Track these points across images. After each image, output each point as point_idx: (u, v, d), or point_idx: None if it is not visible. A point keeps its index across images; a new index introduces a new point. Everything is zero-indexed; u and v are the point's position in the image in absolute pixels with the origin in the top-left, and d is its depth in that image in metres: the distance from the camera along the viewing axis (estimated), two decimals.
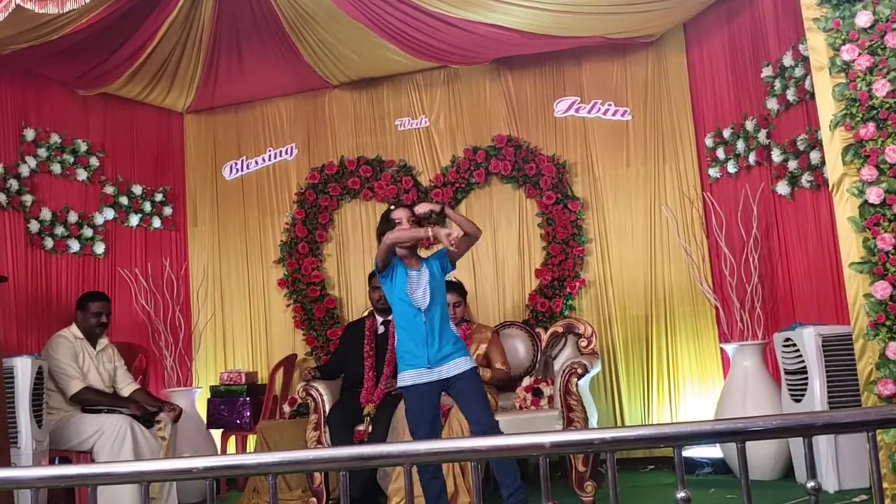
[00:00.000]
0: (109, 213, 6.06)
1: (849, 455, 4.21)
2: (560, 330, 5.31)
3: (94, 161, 5.99)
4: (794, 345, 4.47)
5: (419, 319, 3.69)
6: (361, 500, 4.52)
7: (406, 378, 3.71)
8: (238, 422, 5.76)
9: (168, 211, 6.54)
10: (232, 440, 5.82)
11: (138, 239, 6.32)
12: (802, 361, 4.41)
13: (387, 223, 3.83)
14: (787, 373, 4.58)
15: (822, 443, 4.17)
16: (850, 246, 3.21)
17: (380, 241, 3.80)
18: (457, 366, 3.68)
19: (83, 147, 5.92)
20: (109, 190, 6.09)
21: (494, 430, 3.65)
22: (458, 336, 3.85)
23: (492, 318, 5.83)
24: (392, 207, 3.93)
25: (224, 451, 5.73)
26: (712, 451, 5.13)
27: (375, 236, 3.92)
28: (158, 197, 6.48)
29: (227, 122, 6.76)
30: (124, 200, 6.18)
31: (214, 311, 6.54)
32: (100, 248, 5.92)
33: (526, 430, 4.30)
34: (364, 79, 6.41)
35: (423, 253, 4.03)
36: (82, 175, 5.89)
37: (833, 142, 3.27)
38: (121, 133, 6.31)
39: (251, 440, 5.77)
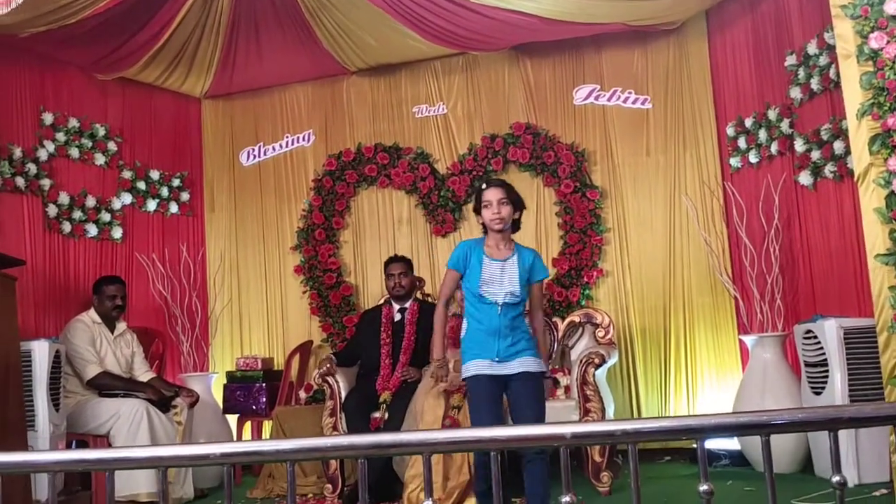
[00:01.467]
0: (127, 198, 6.07)
1: (869, 449, 4.16)
2: (577, 320, 5.28)
3: (111, 146, 6.00)
4: (815, 337, 4.42)
5: (493, 311, 3.46)
6: (377, 487, 4.52)
7: (473, 367, 3.45)
8: (254, 407, 5.77)
9: (185, 196, 6.54)
10: (248, 426, 5.83)
11: (155, 224, 6.34)
12: (823, 354, 4.36)
13: (478, 202, 3.57)
14: (807, 365, 4.53)
15: (843, 436, 4.12)
16: (876, 237, 3.15)
17: (478, 212, 3.58)
18: (530, 364, 3.44)
19: (101, 131, 5.93)
20: (127, 175, 6.10)
21: (536, 453, 3.33)
22: (532, 336, 3.55)
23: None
24: (484, 186, 3.58)
25: (240, 437, 5.75)
26: (730, 443, 5.09)
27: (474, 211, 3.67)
28: (176, 182, 6.49)
29: (244, 108, 6.74)
30: (142, 185, 6.19)
31: (231, 297, 6.55)
32: (117, 233, 5.94)
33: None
34: (382, 65, 6.37)
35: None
36: (100, 159, 5.90)
37: (859, 131, 3.21)
38: (139, 118, 6.32)
39: (267, 426, 5.78)
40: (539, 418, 3.38)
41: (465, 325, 3.59)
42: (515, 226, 3.63)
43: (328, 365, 4.96)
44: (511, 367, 3.43)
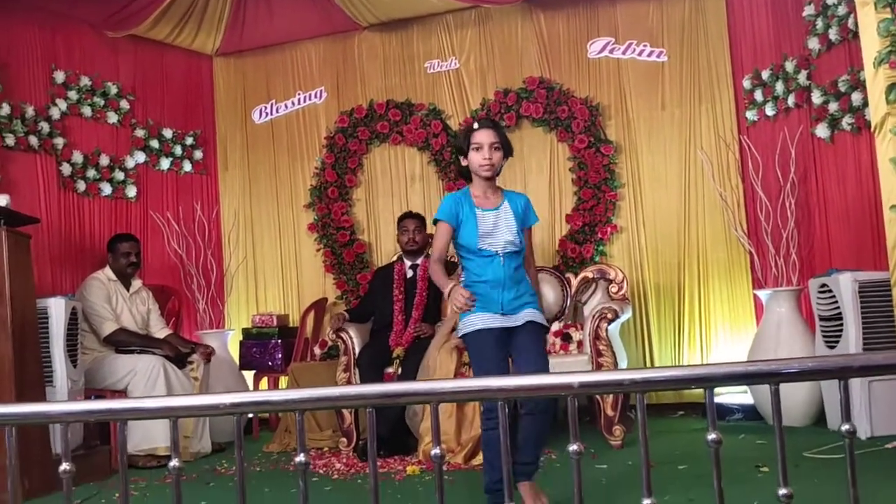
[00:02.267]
0: (140, 157, 6.08)
1: (883, 401, 4.16)
2: (591, 275, 5.27)
3: (124, 104, 6.00)
4: (830, 291, 4.40)
5: (496, 262, 3.22)
6: (390, 440, 4.57)
7: (478, 320, 3.20)
8: (270, 364, 5.83)
9: (198, 155, 6.54)
10: (264, 381, 5.90)
11: (169, 182, 6.35)
12: (838, 308, 4.34)
13: (466, 142, 3.27)
14: (821, 319, 4.52)
15: (856, 388, 4.12)
16: (892, 188, 3.11)
17: (457, 157, 3.32)
18: (535, 315, 3.25)
19: (113, 90, 5.93)
20: (140, 133, 6.10)
21: (537, 407, 3.17)
22: (532, 286, 3.34)
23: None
24: (475, 126, 3.25)
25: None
26: (743, 398, 5.10)
27: (454, 151, 3.36)
28: (189, 141, 6.49)
29: (255, 65, 6.71)
30: (155, 144, 6.20)
31: (246, 255, 6.58)
32: (131, 192, 5.96)
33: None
34: (393, 20, 6.30)
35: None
36: (113, 118, 5.90)
37: (877, 80, 3.15)
38: (150, 76, 6.30)
39: (283, 381, 5.84)
40: (544, 371, 3.20)
41: (463, 279, 3.34)
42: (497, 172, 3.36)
43: (340, 319, 5.00)
44: (517, 319, 3.24)
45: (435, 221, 3.30)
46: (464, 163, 3.31)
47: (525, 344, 3.22)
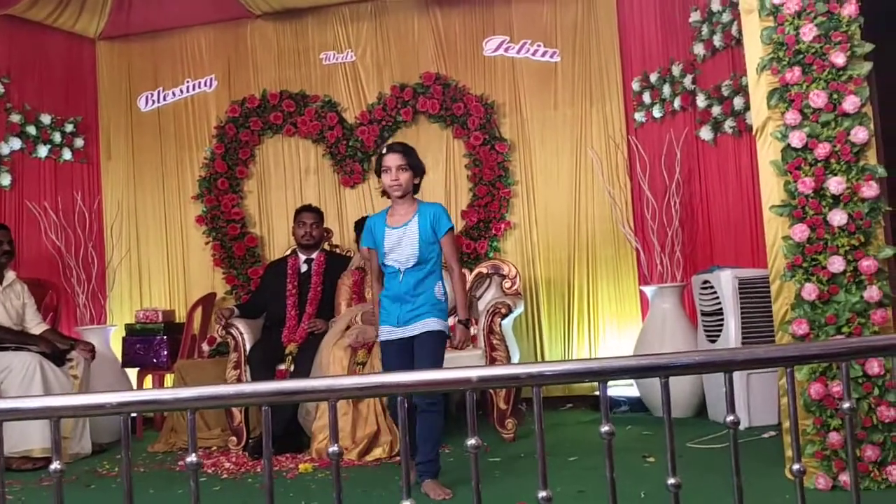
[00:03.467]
0: (16, 143, 5.76)
1: (759, 393, 4.37)
2: (485, 271, 5.32)
3: None
4: (712, 287, 4.58)
5: (396, 278, 3.55)
6: (283, 439, 4.48)
7: (382, 332, 3.61)
8: (155, 361, 5.62)
9: (80, 143, 6.24)
10: (148, 379, 5.68)
11: (47, 171, 6.04)
12: (719, 303, 4.52)
13: (378, 166, 3.58)
14: (703, 314, 4.70)
15: (736, 381, 4.28)
16: (772, 189, 3.25)
17: (379, 175, 3.59)
18: (426, 325, 3.51)
19: None
20: (15, 118, 5.78)
21: (429, 405, 3.45)
22: (439, 297, 3.56)
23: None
24: (384, 151, 3.58)
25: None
26: (629, 390, 5.26)
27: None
28: (69, 128, 6.18)
29: (142, 51, 6.45)
30: (32, 130, 5.88)
31: (129, 248, 6.32)
32: (5, 180, 5.65)
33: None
34: (287, 9, 6.18)
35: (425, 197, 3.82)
36: None
37: (759, 85, 3.29)
38: (28, 58, 5.97)
39: (168, 379, 5.64)
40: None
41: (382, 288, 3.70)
42: (415, 189, 3.65)
43: (228, 312, 4.86)
44: (411, 329, 3.53)
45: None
46: (378, 185, 3.69)
47: (419, 353, 3.52)
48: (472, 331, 4.88)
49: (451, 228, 3.59)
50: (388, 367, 3.62)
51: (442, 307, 3.59)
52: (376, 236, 3.61)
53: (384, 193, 3.64)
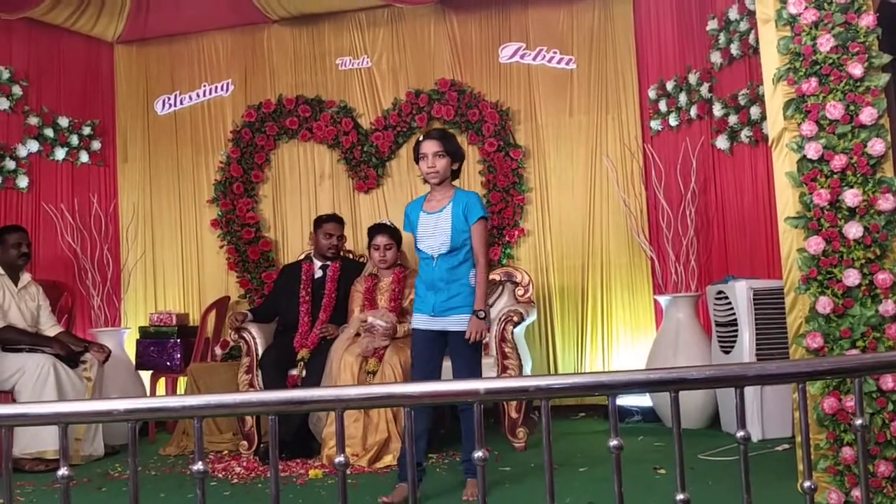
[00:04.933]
0: (34, 146, 5.80)
1: (773, 406, 4.33)
2: (498, 278, 5.30)
3: (16, 90, 5.71)
4: (726, 297, 4.55)
5: (430, 265, 3.55)
6: (293, 445, 4.49)
7: (414, 320, 3.62)
8: (168, 364, 5.64)
9: (96, 145, 6.28)
10: (162, 382, 5.70)
11: (64, 173, 6.08)
12: (733, 314, 4.49)
13: (416, 153, 3.60)
14: (717, 325, 4.67)
15: (749, 393, 4.27)
16: (787, 201, 3.22)
17: (417, 162, 3.60)
18: (462, 322, 3.48)
19: (5, 74, 5.64)
20: (34, 121, 5.82)
21: (468, 403, 3.41)
22: (473, 285, 3.53)
23: None
24: (421, 138, 3.60)
25: (153, 394, 5.62)
26: (642, 400, 5.23)
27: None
28: (86, 130, 6.22)
29: (159, 55, 6.48)
30: (49, 133, 5.92)
31: (145, 251, 6.35)
32: (23, 182, 5.68)
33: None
34: (305, 14, 6.20)
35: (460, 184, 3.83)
36: (4, 104, 5.62)
37: (775, 96, 3.26)
38: (46, 61, 6.01)
39: (182, 382, 5.66)
40: (470, 377, 3.43)
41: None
42: (455, 175, 3.66)
43: (241, 317, 4.88)
44: (446, 323, 3.51)
45: None
46: (418, 172, 3.69)
47: (457, 358, 3.55)
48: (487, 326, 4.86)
49: (484, 217, 3.55)
50: (416, 356, 3.62)
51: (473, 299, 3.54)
52: (412, 221, 3.62)
53: (425, 180, 3.63)
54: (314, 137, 6.18)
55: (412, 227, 3.64)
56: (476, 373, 3.52)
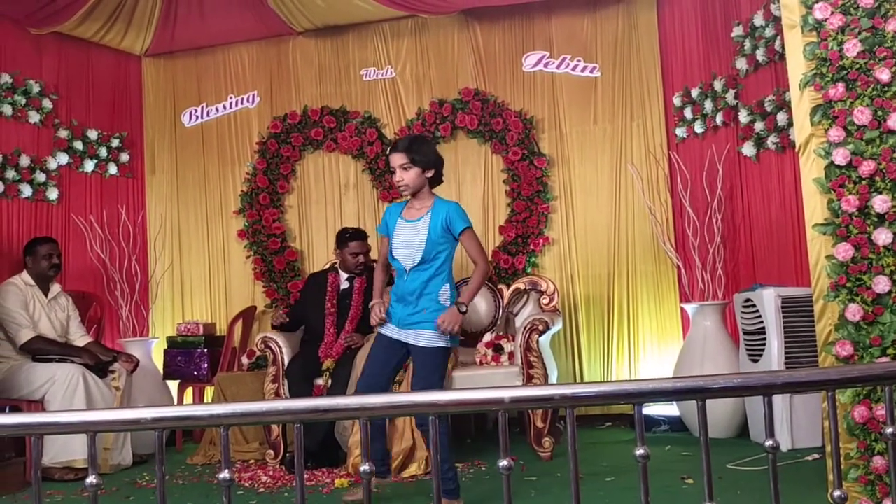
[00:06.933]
0: (63, 158, 5.88)
1: (803, 415, 4.27)
2: (522, 287, 5.30)
3: (46, 103, 5.79)
4: (754, 305, 4.50)
5: (402, 277, 3.49)
6: (318, 452, 4.50)
7: (383, 326, 3.58)
8: (195, 373, 5.69)
9: (125, 157, 6.36)
10: (189, 392, 5.75)
11: (93, 185, 6.16)
12: (761, 322, 4.44)
13: (387, 165, 3.63)
14: (745, 333, 4.62)
15: (778, 402, 4.22)
16: (815, 207, 3.18)
17: None
18: (424, 338, 3.44)
19: (35, 88, 5.72)
20: (63, 134, 5.90)
21: (423, 423, 3.39)
22: (443, 301, 3.45)
23: (454, 273, 5.77)
24: (389, 150, 3.61)
25: (180, 403, 5.66)
26: (669, 409, 5.18)
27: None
28: (115, 143, 6.30)
29: (186, 67, 6.56)
30: (79, 145, 6.00)
31: (172, 261, 6.42)
32: (53, 194, 5.76)
33: (485, 385, 4.29)
34: (329, 26, 6.25)
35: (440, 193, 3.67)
36: (34, 117, 5.70)
37: (802, 102, 3.23)
38: (76, 75, 6.10)
39: (209, 392, 5.71)
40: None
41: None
42: (435, 181, 3.56)
43: (281, 316, 5.03)
44: (407, 336, 3.49)
45: None
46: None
47: (417, 370, 3.52)
48: (508, 347, 4.86)
49: (468, 228, 3.48)
50: (371, 357, 3.60)
51: (439, 314, 3.45)
52: (389, 226, 3.54)
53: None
54: (339, 148, 6.22)
55: (388, 231, 3.55)
56: (432, 385, 3.43)
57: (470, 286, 3.52)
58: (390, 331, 3.54)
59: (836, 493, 1.66)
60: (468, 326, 5.26)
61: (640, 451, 1.59)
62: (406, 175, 3.44)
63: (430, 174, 3.49)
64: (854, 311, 3.05)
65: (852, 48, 3.12)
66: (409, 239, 3.45)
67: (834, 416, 1.72)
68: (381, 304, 3.57)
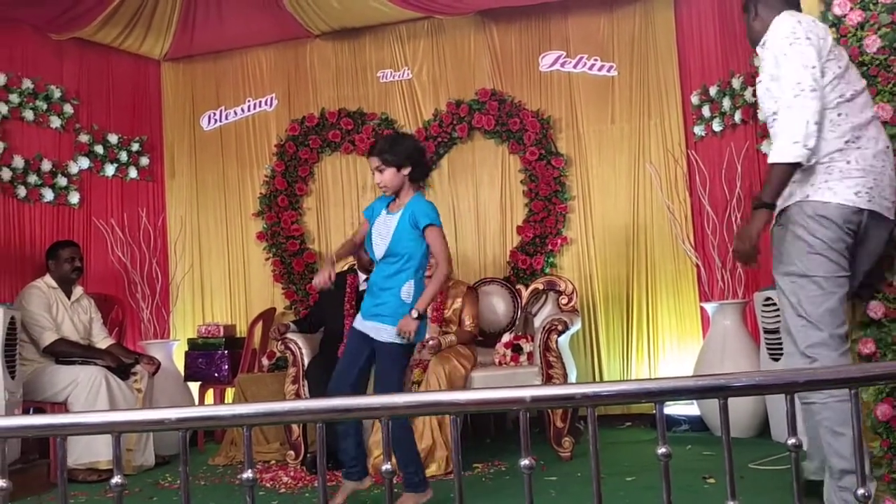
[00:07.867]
0: (84, 162, 5.94)
1: None
2: (541, 287, 5.29)
3: (67, 108, 5.85)
4: (775, 304, 4.47)
5: (376, 266, 3.62)
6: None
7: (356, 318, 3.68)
8: (216, 375, 5.73)
9: (145, 161, 6.42)
10: (210, 393, 5.79)
11: (114, 189, 6.21)
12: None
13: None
14: (766, 332, 4.59)
15: (798, 401, 4.19)
16: None
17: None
18: (379, 332, 3.49)
19: (57, 93, 5.78)
20: (84, 138, 5.96)
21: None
22: (404, 298, 3.47)
23: (472, 274, 5.79)
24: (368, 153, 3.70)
25: (202, 404, 5.70)
26: (690, 409, 5.16)
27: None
28: (135, 147, 6.36)
29: (205, 71, 6.61)
30: (99, 149, 6.06)
31: (192, 264, 6.47)
32: (74, 198, 5.81)
33: (505, 385, 4.29)
34: (346, 28, 6.27)
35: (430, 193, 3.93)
36: (56, 122, 5.75)
37: None
38: (96, 80, 6.16)
39: (229, 393, 5.74)
40: (383, 392, 3.41)
41: None
42: (418, 177, 3.63)
43: (283, 328, 4.95)
44: (368, 328, 3.55)
45: None
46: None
47: (378, 368, 3.56)
48: (527, 347, 4.85)
49: (432, 224, 3.49)
50: (344, 352, 3.70)
51: (406, 311, 3.47)
52: (374, 213, 3.66)
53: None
54: (356, 149, 6.24)
55: (371, 217, 3.66)
56: (391, 388, 3.43)
57: (426, 292, 3.52)
58: (358, 322, 3.63)
59: (860, 492, 1.65)
60: (486, 326, 5.27)
61: (662, 450, 1.59)
62: (383, 177, 3.55)
63: (406, 171, 3.56)
64: (876, 309, 3.03)
65: (872, 44, 3.09)
66: (384, 230, 3.55)
67: (857, 413, 1.70)
68: (330, 268, 3.61)
